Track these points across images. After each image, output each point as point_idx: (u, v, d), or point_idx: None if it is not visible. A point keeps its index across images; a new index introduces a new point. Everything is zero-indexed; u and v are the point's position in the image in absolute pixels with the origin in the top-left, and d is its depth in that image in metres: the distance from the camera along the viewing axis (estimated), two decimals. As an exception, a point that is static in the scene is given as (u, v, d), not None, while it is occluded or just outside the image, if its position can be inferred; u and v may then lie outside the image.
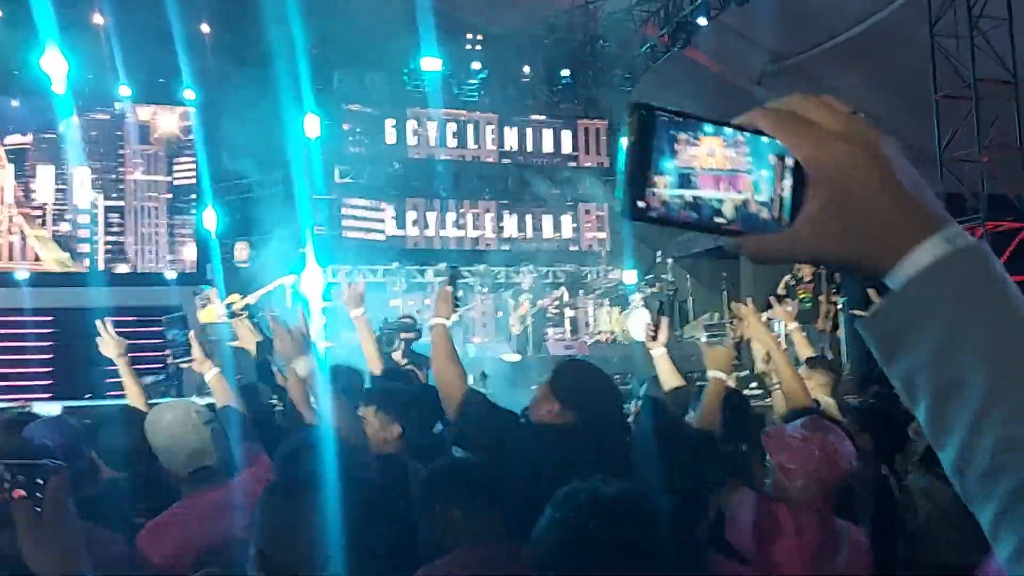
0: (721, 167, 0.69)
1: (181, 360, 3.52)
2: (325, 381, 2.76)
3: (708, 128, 0.69)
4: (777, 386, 3.70)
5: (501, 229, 16.53)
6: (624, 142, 0.68)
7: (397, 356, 5.76)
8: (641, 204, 0.67)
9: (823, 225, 0.68)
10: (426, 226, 15.95)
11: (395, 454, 3.01)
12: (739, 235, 0.70)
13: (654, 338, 3.55)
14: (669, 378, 3.59)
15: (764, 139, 0.70)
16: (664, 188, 0.67)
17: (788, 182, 0.70)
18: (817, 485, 2.45)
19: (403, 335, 6.07)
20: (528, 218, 16.63)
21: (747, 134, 0.70)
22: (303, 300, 11.73)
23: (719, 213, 0.69)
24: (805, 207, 0.69)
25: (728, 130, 0.70)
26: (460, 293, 3.48)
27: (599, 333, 14.12)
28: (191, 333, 3.60)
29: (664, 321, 3.59)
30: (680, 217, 0.68)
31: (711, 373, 3.03)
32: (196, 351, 3.50)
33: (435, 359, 2.99)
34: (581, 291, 15.37)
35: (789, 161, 0.70)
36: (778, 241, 0.70)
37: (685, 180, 0.68)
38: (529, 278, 13.82)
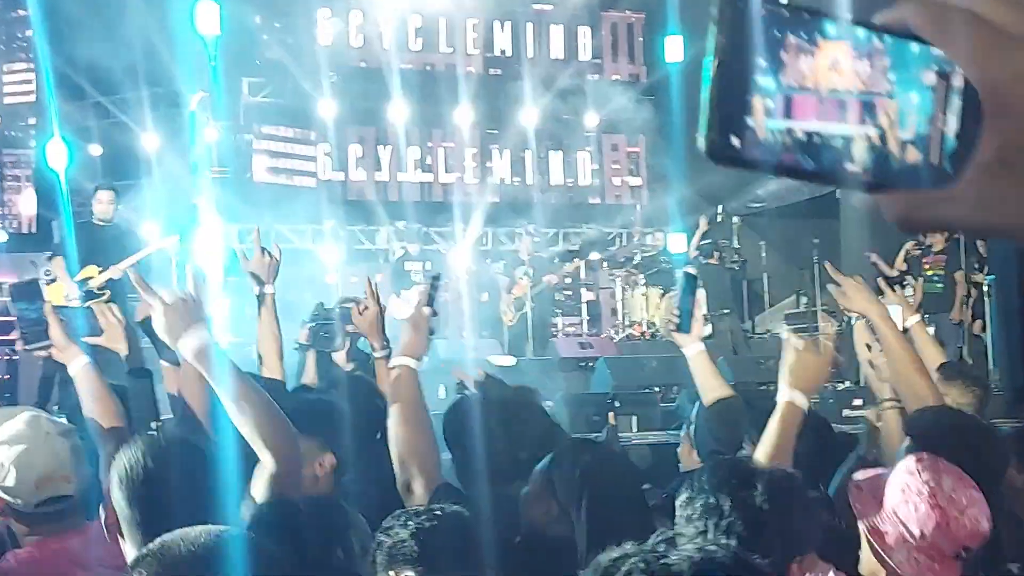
0: (851, 87, 0.69)
1: (36, 346, 3.43)
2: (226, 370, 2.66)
3: (831, 28, 0.69)
4: (890, 403, 3.65)
5: (487, 172, 16.49)
6: (711, 44, 0.67)
7: (340, 358, 5.76)
8: (734, 140, 0.67)
9: (1004, 179, 0.67)
10: (377, 167, 15.90)
11: (328, 498, 2.99)
12: (877, 189, 0.70)
13: (680, 328, 3.53)
14: (710, 386, 3.59)
15: (916, 47, 0.69)
16: (766, 116, 0.67)
17: (954, 113, 0.69)
18: (926, 557, 2.40)
19: (348, 327, 6.05)
20: (527, 156, 16.61)
21: (891, 39, 0.70)
22: (197, 273, 11.63)
23: (847, 156, 0.69)
24: (978, 151, 0.68)
25: (862, 32, 0.69)
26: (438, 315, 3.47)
27: (631, 325, 14.12)
28: (47, 306, 3.53)
29: (699, 301, 3.58)
30: (788, 161, 0.68)
31: (788, 394, 2.95)
32: (56, 332, 3.42)
33: (395, 419, 2.98)
34: (605, 264, 15.36)
35: (956, 81, 0.69)
36: (937, 200, 0.69)
37: (797, 105, 0.68)
38: (528, 244, 13.78)
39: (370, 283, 4.20)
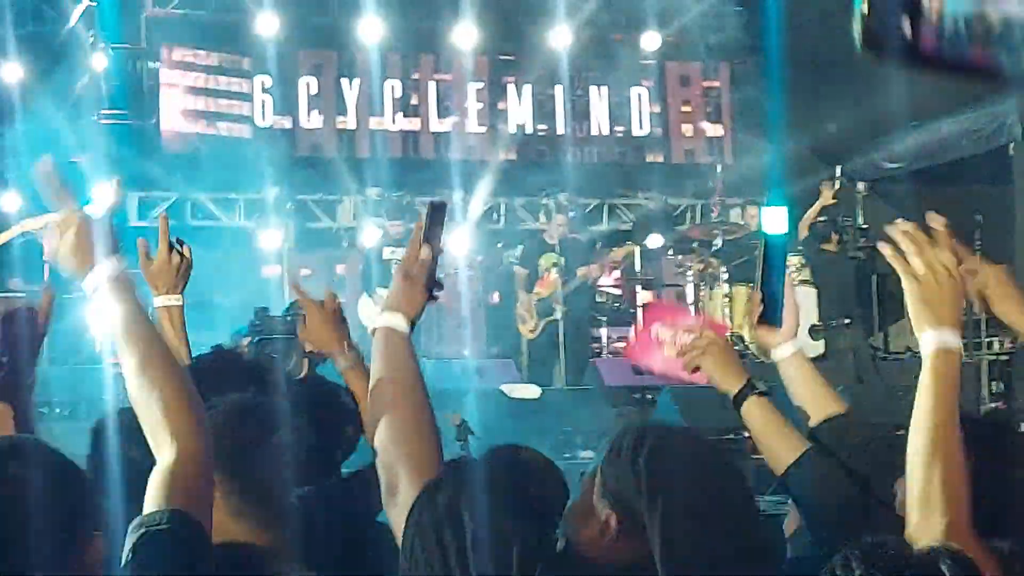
0: None
1: None
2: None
3: None
4: None
5: (498, 116, 16.46)
6: None
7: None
8: (904, 26, 0.66)
9: None
10: (340, 109, 15.89)
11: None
12: None
13: (765, 321, 3.52)
14: (813, 399, 3.59)
15: None
16: None
17: None
18: None
19: (305, 344, 6.10)
20: (556, 93, 16.62)
21: None
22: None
23: None
24: None
25: None
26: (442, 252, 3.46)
27: (709, 339, 14.10)
28: None
29: (789, 280, 3.55)
30: (978, 58, 0.67)
31: (935, 338, 2.88)
32: None
33: (376, 394, 3.00)
34: (670, 250, 15.33)
35: None
36: None
37: None
38: (560, 222, 13.80)
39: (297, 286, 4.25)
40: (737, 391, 3.46)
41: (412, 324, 3.06)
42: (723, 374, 3.47)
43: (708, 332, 3.56)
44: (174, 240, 4.51)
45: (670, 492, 2.62)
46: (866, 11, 0.65)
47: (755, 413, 3.47)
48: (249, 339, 5.95)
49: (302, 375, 5.90)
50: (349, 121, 15.94)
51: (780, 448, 3.46)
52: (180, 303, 4.42)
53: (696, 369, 3.53)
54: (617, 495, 2.66)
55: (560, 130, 16.61)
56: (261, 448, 3.11)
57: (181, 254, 4.44)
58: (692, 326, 3.59)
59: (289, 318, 6.14)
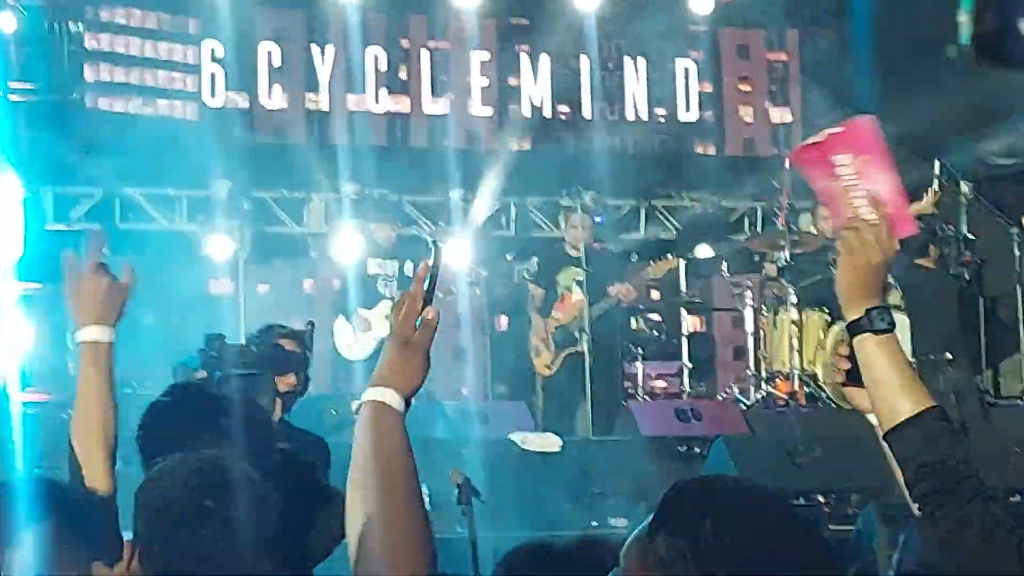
0: None
1: None
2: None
3: None
4: None
5: (508, 95, 16.51)
6: None
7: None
8: (1021, 26, 0.67)
9: None
10: (311, 85, 15.91)
11: None
12: None
13: (853, 377, 3.58)
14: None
15: None
16: None
17: None
18: None
19: (279, 379, 6.12)
20: (581, 67, 16.67)
21: None
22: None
23: None
24: None
25: None
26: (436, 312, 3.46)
27: (772, 379, 14.10)
28: None
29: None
30: None
31: None
32: None
33: (359, 489, 3.02)
34: (724, 264, 15.34)
35: None
36: None
37: None
38: (583, 226, 13.80)
39: None
40: (857, 316, 3.45)
41: (407, 402, 3.12)
42: (853, 285, 3.44)
43: (885, 230, 3.47)
44: (106, 257, 4.53)
45: (741, 563, 2.60)
46: (975, 17, 0.65)
47: (873, 350, 3.47)
48: (205, 373, 5.93)
49: (276, 413, 5.94)
50: (320, 100, 15.98)
51: (897, 397, 3.44)
52: (109, 339, 4.45)
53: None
54: (670, 567, 2.64)
55: (586, 113, 16.67)
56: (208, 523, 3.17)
57: (114, 276, 4.44)
58: (877, 198, 3.52)
59: (255, 348, 6.13)
